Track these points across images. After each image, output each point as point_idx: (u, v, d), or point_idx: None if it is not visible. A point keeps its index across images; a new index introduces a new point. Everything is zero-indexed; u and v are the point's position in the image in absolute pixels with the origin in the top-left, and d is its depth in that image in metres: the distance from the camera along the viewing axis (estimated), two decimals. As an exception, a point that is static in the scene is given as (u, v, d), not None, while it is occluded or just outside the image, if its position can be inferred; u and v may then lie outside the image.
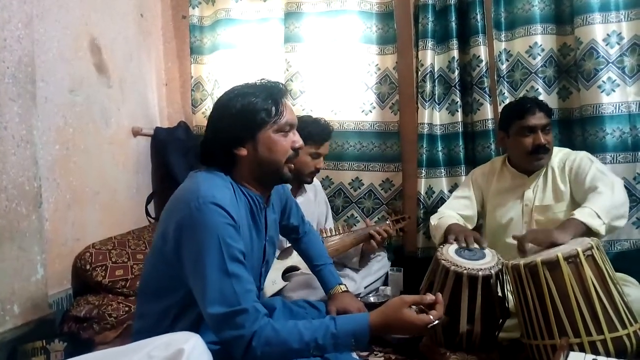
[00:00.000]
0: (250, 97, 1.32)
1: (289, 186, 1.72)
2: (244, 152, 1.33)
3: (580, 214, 1.65)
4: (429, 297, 1.23)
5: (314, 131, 2.10)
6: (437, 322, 1.20)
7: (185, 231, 1.21)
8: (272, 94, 1.34)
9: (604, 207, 1.68)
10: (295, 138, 1.39)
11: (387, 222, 2.40)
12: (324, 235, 2.24)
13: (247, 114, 1.31)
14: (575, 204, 1.88)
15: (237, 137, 1.32)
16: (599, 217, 1.64)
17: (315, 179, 2.53)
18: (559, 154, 2.01)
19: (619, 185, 1.81)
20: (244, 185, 1.36)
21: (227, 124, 1.32)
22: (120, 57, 2.56)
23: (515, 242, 1.73)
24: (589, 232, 1.62)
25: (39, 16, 1.96)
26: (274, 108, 1.33)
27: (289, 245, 2.03)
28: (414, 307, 1.22)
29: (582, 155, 1.96)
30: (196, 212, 1.20)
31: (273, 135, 1.33)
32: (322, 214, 2.46)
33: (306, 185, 2.35)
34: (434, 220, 2.04)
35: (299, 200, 2.30)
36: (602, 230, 1.63)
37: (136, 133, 2.66)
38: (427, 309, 1.22)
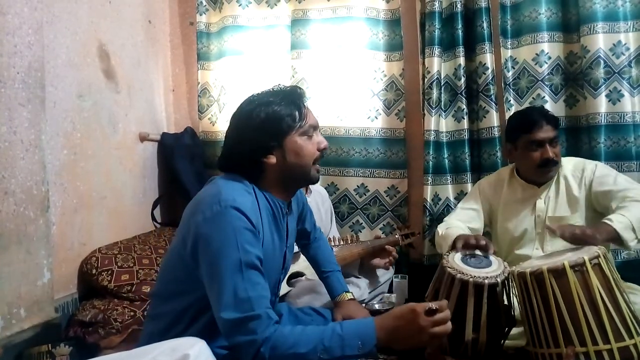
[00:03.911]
0: (272, 105, 1.33)
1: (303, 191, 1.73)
2: (273, 159, 1.33)
3: (618, 224, 1.62)
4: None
5: None
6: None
7: (204, 234, 1.21)
8: (293, 99, 1.36)
9: None
10: (319, 139, 1.39)
11: (397, 236, 2.39)
12: (332, 244, 2.24)
13: (272, 122, 1.32)
14: (590, 213, 1.86)
15: (264, 146, 1.33)
16: (633, 231, 1.61)
17: (321, 187, 2.54)
18: (571, 163, 1.98)
19: None
20: (268, 191, 1.37)
21: (253, 134, 1.32)
22: (128, 63, 2.58)
23: (524, 253, 1.72)
24: (617, 241, 1.61)
25: (48, 22, 1.98)
26: (297, 113, 1.34)
27: (297, 251, 2.03)
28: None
29: (600, 165, 1.95)
30: (216, 215, 1.21)
31: (299, 140, 1.34)
32: (327, 222, 2.46)
33: (313, 191, 2.35)
34: (440, 229, 2.03)
35: (304, 201, 2.31)
36: (631, 245, 1.61)
37: (143, 138, 2.68)
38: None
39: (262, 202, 1.33)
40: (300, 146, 1.34)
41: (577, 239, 1.58)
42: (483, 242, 1.66)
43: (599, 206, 1.86)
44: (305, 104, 1.38)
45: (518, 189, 2.04)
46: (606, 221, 1.64)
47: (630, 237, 1.61)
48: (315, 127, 1.39)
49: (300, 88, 1.42)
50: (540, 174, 1.94)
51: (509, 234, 2.03)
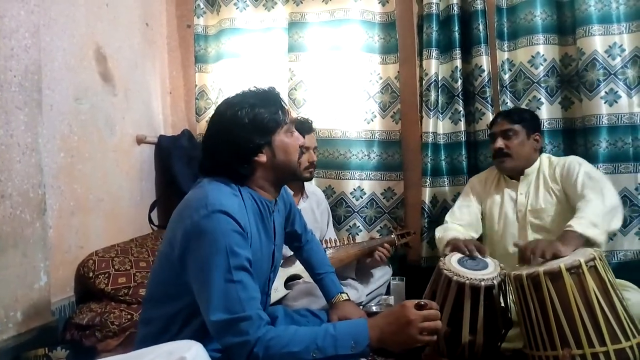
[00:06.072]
0: (256, 107, 1.35)
1: (291, 192, 1.74)
2: (263, 158, 1.36)
3: (578, 226, 1.64)
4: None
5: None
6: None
7: (192, 238, 1.22)
8: (274, 99, 1.40)
9: (598, 214, 1.69)
10: (296, 134, 1.44)
11: (392, 236, 2.39)
12: (328, 245, 2.24)
13: (259, 122, 1.34)
14: (569, 205, 1.91)
15: (255, 145, 1.35)
16: (595, 225, 1.64)
17: (317, 188, 2.53)
18: (549, 160, 2.08)
19: (608, 189, 1.82)
20: (255, 190, 1.38)
21: (242, 135, 1.33)
22: (125, 65, 2.58)
23: (514, 249, 1.73)
24: (588, 243, 1.61)
25: (45, 25, 1.98)
26: (279, 111, 1.38)
27: (292, 253, 2.03)
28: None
29: (571, 159, 2.01)
30: (204, 219, 1.21)
31: (284, 137, 1.39)
32: (324, 224, 2.46)
33: (308, 193, 2.36)
34: (438, 232, 2.05)
35: (301, 205, 2.31)
36: (601, 238, 1.63)
37: (140, 141, 2.68)
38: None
39: (248, 202, 1.34)
40: (287, 143, 1.39)
41: (544, 255, 1.56)
42: (475, 253, 1.70)
43: (571, 201, 1.91)
44: (283, 101, 1.43)
45: (502, 184, 2.14)
46: (567, 229, 1.66)
47: (596, 233, 1.63)
48: (293, 123, 1.44)
49: (274, 88, 1.45)
50: (496, 164, 2.11)
51: (493, 228, 2.11)
